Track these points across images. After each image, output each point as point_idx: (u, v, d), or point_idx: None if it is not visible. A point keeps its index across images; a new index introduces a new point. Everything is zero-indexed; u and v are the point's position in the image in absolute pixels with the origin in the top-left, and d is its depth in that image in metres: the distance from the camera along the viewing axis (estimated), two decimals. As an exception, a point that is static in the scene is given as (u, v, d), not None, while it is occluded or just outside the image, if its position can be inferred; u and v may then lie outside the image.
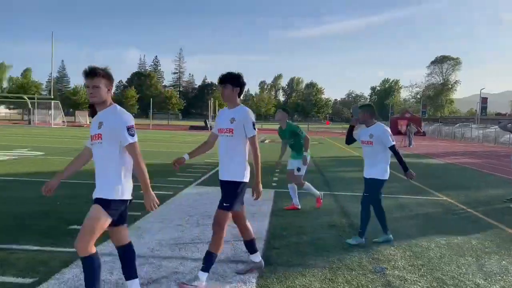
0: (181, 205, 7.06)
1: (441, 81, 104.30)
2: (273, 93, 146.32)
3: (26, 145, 18.31)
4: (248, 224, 4.01)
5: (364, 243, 5.13)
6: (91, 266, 2.94)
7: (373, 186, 5.16)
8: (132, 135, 2.97)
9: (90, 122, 3.64)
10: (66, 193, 7.11)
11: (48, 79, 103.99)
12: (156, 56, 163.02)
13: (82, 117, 54.44)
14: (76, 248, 2.93)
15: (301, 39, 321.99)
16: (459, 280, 4.13)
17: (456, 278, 4.18)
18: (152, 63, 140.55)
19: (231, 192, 3.68)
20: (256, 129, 3.74)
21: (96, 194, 3.02)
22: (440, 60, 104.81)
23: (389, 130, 5.17)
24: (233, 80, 3.72)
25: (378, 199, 5.25)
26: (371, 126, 5.20)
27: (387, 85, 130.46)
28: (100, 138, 2.98)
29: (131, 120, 3.02)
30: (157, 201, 3.06)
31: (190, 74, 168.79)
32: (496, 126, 33.49)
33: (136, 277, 3.28)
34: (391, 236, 5.33)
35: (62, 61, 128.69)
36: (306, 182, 7.12)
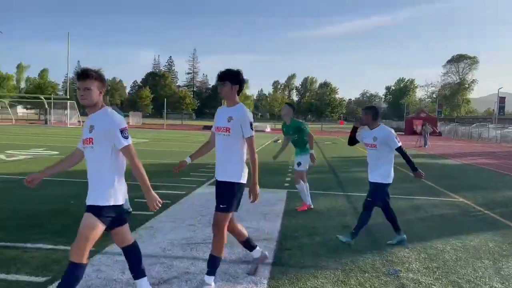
0: (193, 204, 7.06)
1: (458, 81, 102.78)
2: (286, 92, 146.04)
3: (42, 145, 18.59)
4: (239, 226, 3.94)
5: (352, 244, 5.00)
6: (73, 273, 2.85)
7: (377, 190, 5.05)
8: (126, 138, 2.93)
9: None
10: (79, 192, 7.17)
11: (64, 79, 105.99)
12: (171, 56, 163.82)
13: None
14: (70, 253, 2.88)
15: (316, 38, 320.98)
16: (476, 283, 4.04)
17: (472, 281, 4.09)
18: (167, 63, 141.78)
19: (228, 193, 3.58)
20: (254, 130, 3.62)
21: (88, 201, 2.99)
22: (457, 59, 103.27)
23: (393, 131, 5.07)
24: (232, 77, 3.62)
25: (385, 203, 5.16)
26: (374, 129, 5.09)
27: (402, 85, 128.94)
28: (91, 143, 2.94)
29: (123, 122, 2.98)
30: (160, 200, 3.02)
31: (204, 74, 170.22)
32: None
33: (145, 275, 3.26)
34: (404, 236, 5.24)
35: (78, 61, 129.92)
36: (302, 184, 6.92)
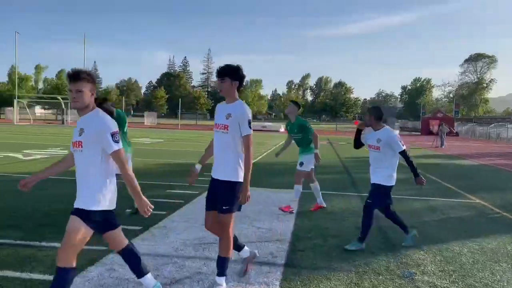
0: (206, 204, 7.05)
1: (475, 80, 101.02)
2: (300, 92, 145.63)
3: (59, 144, 18.86)
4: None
5: (363, 249, 4.90)
6: (62, 278, 2.81)
7: (377, 192, 4.96)
8: (117, 142, 2.86)
9: None
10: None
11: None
12: (185, 56, 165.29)
13: (113, 117, 55.65)
14: (57, 257, 2.84)
15: (331, 37, 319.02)
16: (493, 287, 3.94)
17: (490, 285, 3.99)
18: (181, 64, 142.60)
19: (229, 194, 3.52)
20: (252, 128, 3.54)
21: (76, 204, 2.93)
22: (475, 58, 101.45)
23: (397, 134, 4.97)
24: (232, 73, 3.54)
25: (385, 205, 5.06)
26: (378, 130, 4.99)
27: (418, 84, 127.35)
28: (80, 146, 2.87)
29: (115, 126, 2.90)
30: (151, 205, 2.95)
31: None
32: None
33: (147, 272, 3.19)
34: (414, 232, 5.14)
35: (95, 62, 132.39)
36: (297, 186, 6.75)
